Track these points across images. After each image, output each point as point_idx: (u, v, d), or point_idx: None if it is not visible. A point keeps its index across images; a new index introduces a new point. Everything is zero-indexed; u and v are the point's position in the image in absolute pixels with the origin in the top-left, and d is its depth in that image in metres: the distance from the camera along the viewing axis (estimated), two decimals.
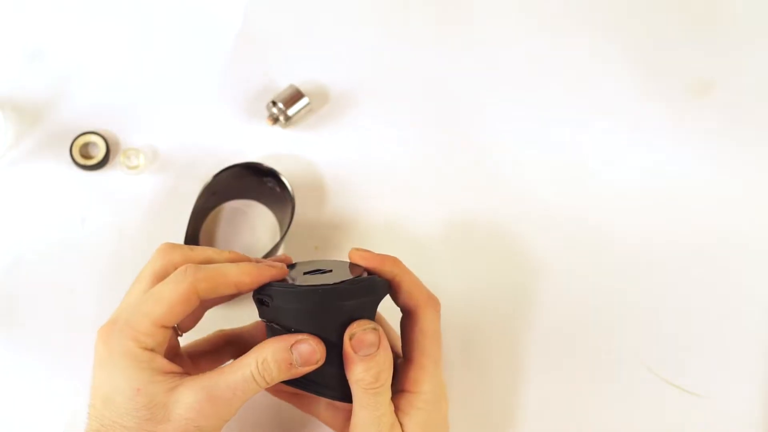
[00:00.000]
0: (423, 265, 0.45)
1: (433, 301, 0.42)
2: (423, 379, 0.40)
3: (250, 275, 0.38)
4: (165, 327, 0.37)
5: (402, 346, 0.43)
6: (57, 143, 0.55)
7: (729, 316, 0.55)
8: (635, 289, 0.55)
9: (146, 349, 0.37)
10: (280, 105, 0.55)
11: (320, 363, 0.37)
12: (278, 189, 0.53)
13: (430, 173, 0.57)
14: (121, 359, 0.36)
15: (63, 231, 0.54)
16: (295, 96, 0.56)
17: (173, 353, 0.40)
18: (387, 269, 0.40)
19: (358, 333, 0.37)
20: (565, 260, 0.56)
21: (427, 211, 0.56)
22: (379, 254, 0.41)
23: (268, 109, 0.56)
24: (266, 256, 0.51)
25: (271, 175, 0.53)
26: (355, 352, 0.37)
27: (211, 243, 0.55)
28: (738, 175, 0.59)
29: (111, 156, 0.55)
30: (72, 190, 0.55)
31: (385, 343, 0.38)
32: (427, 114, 0.59)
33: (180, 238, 0.52)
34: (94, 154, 0.55)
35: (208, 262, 0.40)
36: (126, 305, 0.39)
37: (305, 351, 0.37)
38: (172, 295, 0.37)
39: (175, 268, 0.38)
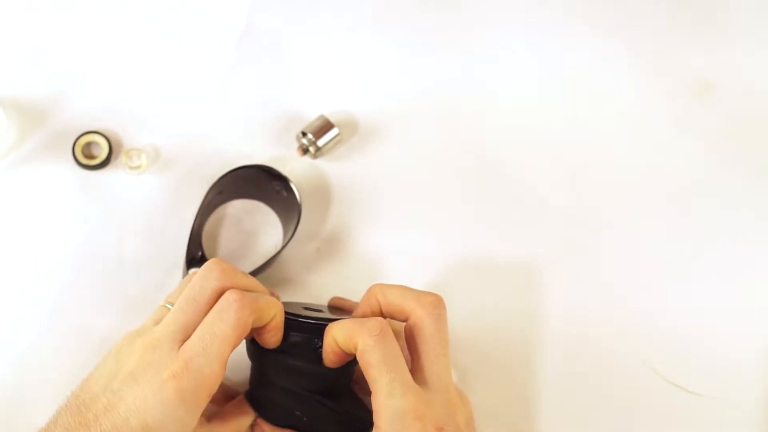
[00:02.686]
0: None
1: (424, 302, 0.41)
2: (377, 408, 0.39)
3: (281, 313, 0.40)
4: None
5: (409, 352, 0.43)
6: (59, 143, 0.55)
7: (730, 315, 0.55)
8: (637, 289, 0.55)
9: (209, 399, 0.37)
10: (310, 136, 0.55)
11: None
12: (285, 193, 0.53)
13: (447, 203, 0.57)
14: (186, 407, 0.36)
15: (65, 230, 0.54)
16: (325, 127, 0.55)
17: None
18: (373, 303, 0.42)
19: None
20: (566, 261, 0.56)
21: (436, 237, 0.56)
22: (358, 302, 0.43)
23: (298, 139, 0.56)
24: (271, 260, 0.52)
25: (281, 179, 0.53)
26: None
27: (214, 240, 0.55)
28: (738, 175, 0.59)
29: (114, 156, 0.55)
30: (74, 190, 0.55)
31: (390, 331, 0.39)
32: (451, 143, 0.59)
33: (181, 238, 0.52)
34: (96, 154, 0.55)
35: (250, 289, 0.40)
36: (196, 343, 0.37)
37: None
38: (235, 332, 0.37)
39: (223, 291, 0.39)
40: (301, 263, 0.54)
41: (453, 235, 0.56)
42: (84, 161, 0.54)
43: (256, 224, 0.55)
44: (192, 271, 0.49)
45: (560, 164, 0.58)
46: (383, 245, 0.55)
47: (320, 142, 0.55)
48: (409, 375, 0.39)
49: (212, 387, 0.37)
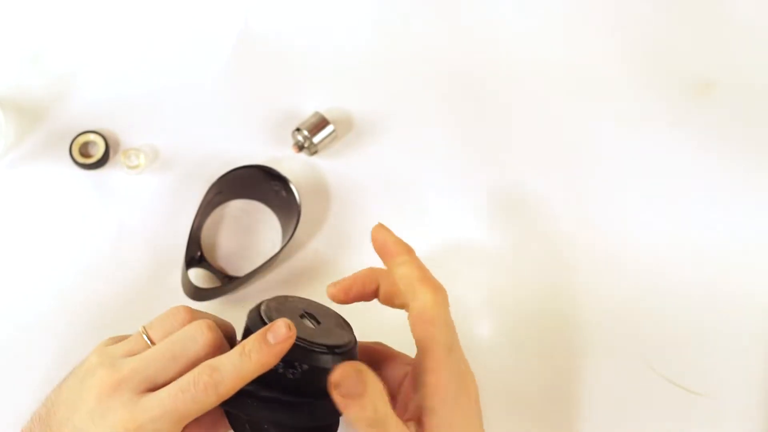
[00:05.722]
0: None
1: (438, 286, 0.40)
2: (437, 367, 0.38)
3: (262, 368, 0.37)
4: None
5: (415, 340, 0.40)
6: (57, 142, 0.55)
7: (731, 315, 0.55)
8: (637, 288, 0.55)
9: None
10: (306, 132, 0.55)
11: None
12: (284, 193, 0.53)
13: (447, 195, 0.57)
14: None
15: (63, 230, 0.53)
16: (321, 123, 0.55)
17: None
18: (397, 258, 0.41)
19: (341, 382, 0.35)
20: (566, 261, 0.56)
21: (437, 235, 0.56)
22: (400, 242, 0.41)
23: (294, 136, 0.56)
24: (271, 261, 0.52)
25: (280, 179, 0.53)
26: (344, 398, 0.35)
27: (214, 239, 0.55)
28: (738, 175, 0.59)
29: (111, 155, 0.55)
30: (72, 189, 0.54)
31: (371, 378, 0.35)
32: (447, 137, 0.58)
33: (180, 238, 0.52)
34: (93, 153, 0.55)
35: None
36: (156, 406, 0.36)
37: None
38: (198, 407, 0.36)
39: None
40: (301, 263, 0.54)
41: (451, 229, 0.56)
42: (81, 160, 0.54)
43: (255, 224, 0.55)
44: (177, 307, 0.45)
45: (560, 165, 0.58)
46: None
47: (316, 139, 0.55)
48: None
49: None
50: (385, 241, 0.41)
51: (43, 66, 0.57)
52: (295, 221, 0.52)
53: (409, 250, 0.41)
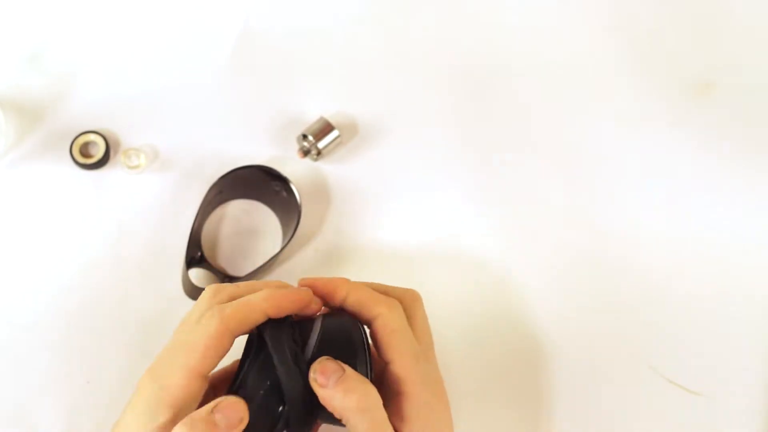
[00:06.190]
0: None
1: (394, 302, 0.40)
2: (407, 376, 0.39)
3: (274, 304, 0.38)
4: (202, 375, 0.37)
5: (380, 356, 0.41)
6: (58, 142, 0.55)
7: (730, 315, 0.55)
8: (637, 288, 0.56)
9: (175, 404, 0.36)
10: (311, 138, 0.55)
11: (244, 422, 0.36)
12: (285, 193, 0.53)
13: (448, 204, 0.57)
14: (145, 407, 0.36)
15: (63, 229, 0.53)
16: (326, 129, 0.55)
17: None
18: (339, 291, 0.40)
19: (317, 368, 0.36)
20: (566, 262, 0.56)
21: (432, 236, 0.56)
22: (327, 278, 0.41)
23: (299, 142, 0.56)
24: (271, 261, 0.52)
25: (281, 180, 0.53)
26: (323, 386, 0.36)
27: (214, 239, 0.55)
28: (738, 175, 0.59)
29: (111, 155, 0.55)
30: (72, 189, 0.54)
31: (351, 370, 0.37)
32: (452, 144, 0.58)
33: (179, 237, 0.52)
34: (94, 153, 0.55)
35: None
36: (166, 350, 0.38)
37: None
38: (202, 339, 0.36)
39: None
40: (301, 264, 0.54)
41: (453, 236, 0.56)
42: (81, 160, 0.54)
43: (255, 224, 0.55)
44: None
45: (560, 165, 0.58)
46: (382, 246, 0.55)
47: (321, 145, 0.55)
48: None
49: (172, 392, 0.36)
50: (314, 285, 0.41)
51: (43, 66, 0.57)
52: (295, 222, 0.52)
53: (344, 281, 0.41)
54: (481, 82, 0.60)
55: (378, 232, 0.55)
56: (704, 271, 0.56)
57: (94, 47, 0.58)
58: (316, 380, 0.36)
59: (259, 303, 0.38)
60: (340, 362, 0.37)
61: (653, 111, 0.60)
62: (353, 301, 0.40)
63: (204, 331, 0.37)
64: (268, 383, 0.37)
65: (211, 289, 0.40)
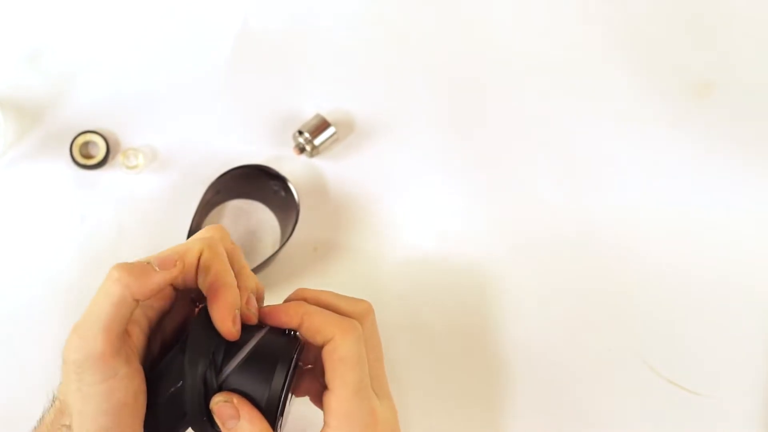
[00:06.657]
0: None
1: (350, 326, 0.38)
2: (337, 411, 0.38)
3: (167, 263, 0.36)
4: (116, 332, 0.36)
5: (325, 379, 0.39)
6: (57, 142, 0.55)
7: (730, 315, 0.55)
8: (637, 288, 0.55)
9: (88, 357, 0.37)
10: (307, 134, 0.55)
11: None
12: (283, 193, 0.53)
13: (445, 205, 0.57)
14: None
15: (62, 229, 0.54)
16: (322, 125, 0.55)
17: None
18: (293, 318, 0.39)
19: (215, 409, 0.36)
20: (565, 261, 0.56)
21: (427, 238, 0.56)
22: (281, 306, 0.39)
23: (295, 138, 0.56)
24: (269, 260, 0.52)
25: (279, 179, 0.53)
26: (221, 426, 0.36)
27: None
28: (738, 174, 0.59)
29: (111, 155, 0.55)
30: (72, 189, 0.55)
31: (247, 410, 0.36)
32: (448, 140, 0.58)
33: (178, 237, 0.52)
34: (94, 154, 0.55)
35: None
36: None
37: None
38: (103, 307, 0.36)
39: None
40: (299, 263, 0.54)
41: (451, 232, 0.56)
42: (81, 161, 0.54)
43: (253, 224, 0.55)
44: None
45: (560, 165, 0.58)
46: (380, 243, 0.55)
47: (317, 141, 0.55)
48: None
49: (85, 346, 0.37)
50: (270, 314, 0.39)
51: (43, 66, 0.57)
52: (293, 221, 0.52)
53: (299, 305, 0.39)
54: (479, 80, 0.60)
55: (374, 229, 0.55)
56: (704, 270, 0.56)
57: (93, 47, 0.58)
58: (214, 413, 0.36)
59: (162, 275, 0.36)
60: (241, 405, 0.36)
61: (653, 111, 0.60)
62: (307, 328, 0.39)
63: (103, 300, 0.36)
64: (180, 384, 0.36)
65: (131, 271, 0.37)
